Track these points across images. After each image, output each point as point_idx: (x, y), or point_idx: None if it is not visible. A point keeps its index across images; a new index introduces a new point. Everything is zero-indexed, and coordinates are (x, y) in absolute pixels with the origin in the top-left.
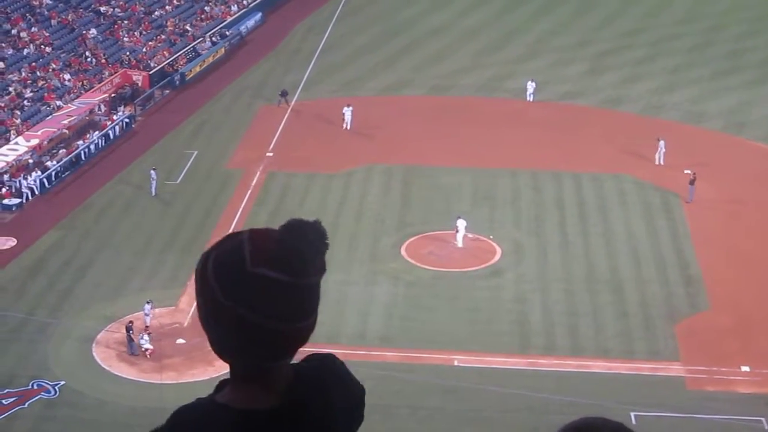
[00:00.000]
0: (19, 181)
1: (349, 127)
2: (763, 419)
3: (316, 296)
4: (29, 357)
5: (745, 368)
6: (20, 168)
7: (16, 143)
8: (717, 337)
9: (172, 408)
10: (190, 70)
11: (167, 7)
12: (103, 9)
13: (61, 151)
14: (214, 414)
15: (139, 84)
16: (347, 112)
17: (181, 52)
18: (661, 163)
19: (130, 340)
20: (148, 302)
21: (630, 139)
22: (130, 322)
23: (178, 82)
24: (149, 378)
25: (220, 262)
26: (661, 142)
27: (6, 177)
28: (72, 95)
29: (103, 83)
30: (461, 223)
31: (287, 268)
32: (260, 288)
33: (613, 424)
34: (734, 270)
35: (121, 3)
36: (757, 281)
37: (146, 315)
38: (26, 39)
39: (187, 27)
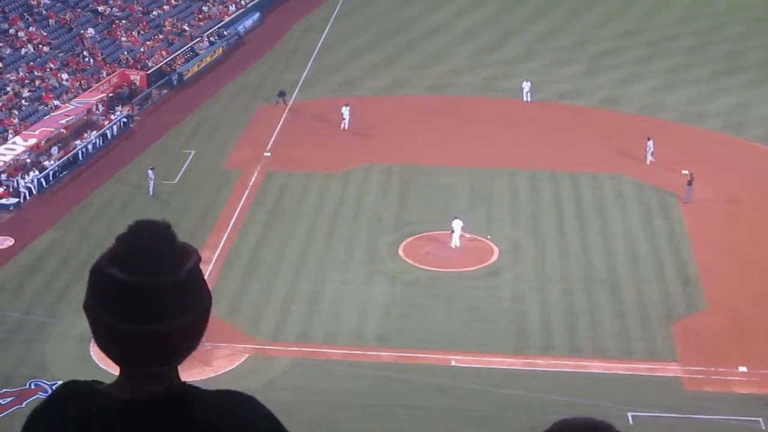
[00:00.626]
0: (17, 180)
1: (347, 127)
2: (760, 419)
3: (180, 297)
4: (27, 357)
5: (742, 368)
6: (18, 167)
7: (14, 143)
8: (714, 337)
9: None
10: (188, 70)
11: (165, 6)
12: (101, 8)
13: (53, 149)
14: (92, 398)
15: (137, 84)
16: (345, 111)
17: (179, 51)
18: (652, 161)
19: None
20: None
21: (628, 140)
22: None
23: (175, 82)
24: None
25: (95, 263)
26: (650, 142)
27: (4, 176)
28: (70, 95)
29: (100, 83)
30: (457, 224)
31: (131, 269)
32: (111, 288)
33: (600, 425)
34: (732, 270)
35: (119, 3)
36: (755, 281)
37: None
38: (24, 38)
39: (185, 27)
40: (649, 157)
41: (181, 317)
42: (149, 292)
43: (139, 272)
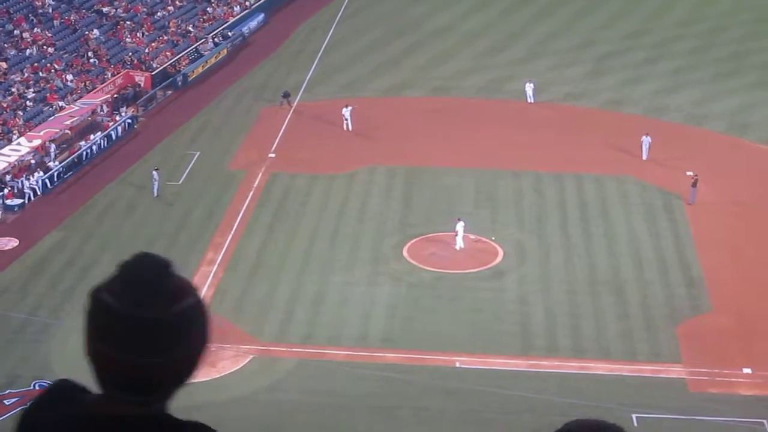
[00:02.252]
0: (22, 181)
1: (350, 128)
2: (764, 421)
3: (166, 335)
4: (31, 357)
5: (746, 370)
6: (22, 168)
7: (19, 144)
8: (719, 338)
9: (174, 408)
10: (193, 71)
11: (170, 8)
12: (105, 10)
13: (52, 148)
14: (72, 407)
15: (142, 85)
16: (346, 112)
17: (184, 53)
18: (647, 157)
19: None
20: None
21: (632, 141)
22: None
23: (180, 83)
24: None
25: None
26: (645, 138)
27: (8, 177)
28: (74, 96)
29: (105, 84)
30: (460, 226)
31: (121, 296)
32: (97, 310)
33: (611, 427)
34: (736, 272)
35: (123, 4)
36: (759, 283)
37: None
38: (29, 39)
39: (190, 28)
40: (645, 153)
41: (162, 355)
42: (132, 321)
43: (127, 301)
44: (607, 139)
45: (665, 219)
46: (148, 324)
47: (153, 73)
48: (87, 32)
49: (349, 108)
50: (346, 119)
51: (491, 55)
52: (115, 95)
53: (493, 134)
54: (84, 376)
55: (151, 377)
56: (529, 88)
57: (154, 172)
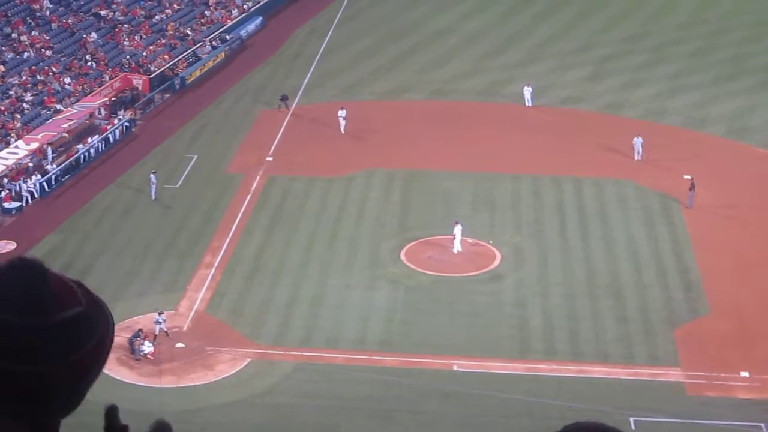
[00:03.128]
0: (19, 184)
1: (343, 131)
2: (762, 425)
3: (41, 343)
4: None
5: (744, 374)
6: (20, 171)
7: (16, 147)
8: (717, 342)
9: (172, 412)
10: (191, 74)
11: (167, 11)
12: (103, 13)
13: (50, 152)
14: None
15: (140, 88)
16: (341, 114)
17: (182, 56)
18: (641, 158)
19: (135, 345)
20: (159, 312)
21: (630, 145)
22: (140, 330)
23: (178, 86)
24: (148, 382)
25: None
26: (637, 139)
27: (6, 180)
28: (72, 99)
29: (103, 87)
30: (458, 229)
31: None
32: None
33: (610, 430)
34: (734, 275)
35: (121, 7)
36: (757, 287)
37: (158, 324)
38: (26, 42)
39: (188, 31)
40: (639, 154)
41: (36, 364)
42: (6, 328)
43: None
44: (606, 143)
45: (663, 222)
46: (23, 331)
47: (151, 76)
48: (85, 35)
49: (344, 111)
50: (341, 122)
51: (490, 58)
52: (113, 98)
53: (492, 137)
54: None
55: (26, 388)
56: (527, 91)
57: (152, 175)
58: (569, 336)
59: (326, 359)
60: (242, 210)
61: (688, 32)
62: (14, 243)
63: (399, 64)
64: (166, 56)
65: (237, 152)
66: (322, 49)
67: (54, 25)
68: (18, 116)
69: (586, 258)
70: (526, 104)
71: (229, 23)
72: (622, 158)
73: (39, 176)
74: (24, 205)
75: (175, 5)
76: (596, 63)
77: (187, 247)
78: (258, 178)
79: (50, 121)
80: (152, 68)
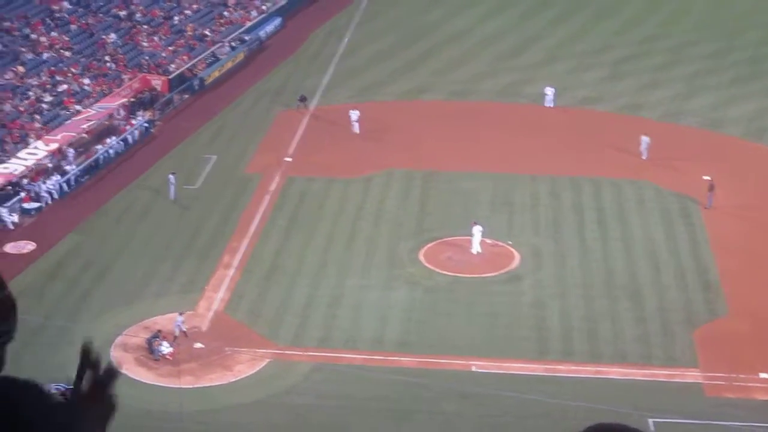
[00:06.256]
0: (39, 185)
1: (356, 131)
2: None
3: None
4: (47, 361)
5: (763, 375)
6: (39, 172)
7: (36, 147)
8: (735, 343)
9: (190, 412)
10: (209, 75)
11: (186, 12)
12: (122, 14)
13: (69, 152)
14: None
15: (158, 89)
16: (353, 115)
17: (201, 57)
18: (646, 157)
19: (153, 346)
20: (180, 313)
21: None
22: (159, 331)
23: (197, 87)
24: (166, 382)
25: None
26: (644, 138)
27: (25, 181)
28: (91, 100)
29: (122, 88)
30: (477, 230)
31: None
32: None
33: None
34: (753, 276)
35: (140, 8)
36: None
37: (178, 326)
38: (46, 43)
39: (207, 32)
40: (645, 153)
41: None
42: None
43: None
44: (624, 144)
45: (682, 223)
46: None
47: (170, 77)
48: (104, 36)
49: (357, 111)
50: (353, 123)
51: (508, 59)
52: (132, 99)
53: (510, 138)
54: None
55: None
56: (549, 92)
57: (171, 176)
58: (587, 337)
59: (344, 360)
60: (261, 211)
61: (704, 33)
62: (34, 244)
63: (418, 65)
64: (185, 57)
65: (255, 153)
66: (341, 49)
67: (73, 26)
68: (37, 117)
69: (605, 258)
70: (549, 105)
71: (248, 24)
72: (640, 159)
73: (58, 177)
74: (43, 205)
75: (194, 6)
76: (614, 64)
77: (205, 248)
78: (276, 178)
79: (69, 122)
80: (171, 69)
